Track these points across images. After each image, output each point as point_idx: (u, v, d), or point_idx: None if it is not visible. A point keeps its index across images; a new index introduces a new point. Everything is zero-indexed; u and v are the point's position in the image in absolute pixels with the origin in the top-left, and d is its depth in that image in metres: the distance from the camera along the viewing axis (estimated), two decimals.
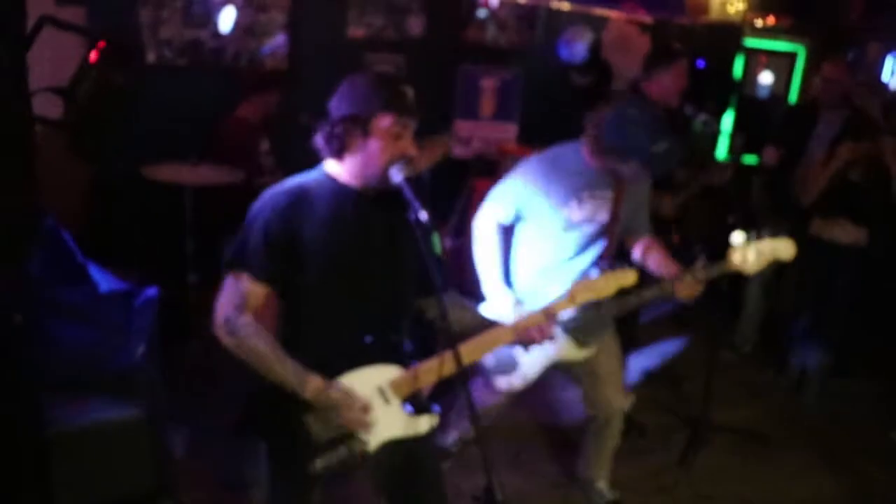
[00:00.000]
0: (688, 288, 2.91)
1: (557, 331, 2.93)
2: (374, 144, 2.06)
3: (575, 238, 2.99)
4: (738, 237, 2.88)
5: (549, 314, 2.31)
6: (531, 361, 3.08)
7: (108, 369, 2.82)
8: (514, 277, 3.09)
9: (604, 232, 3.02)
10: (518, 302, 2.97)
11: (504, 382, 3.11)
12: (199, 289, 3.90)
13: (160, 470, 2.75)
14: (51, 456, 2.51)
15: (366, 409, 2.12)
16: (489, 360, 3.07)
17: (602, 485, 3.45)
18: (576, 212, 2.94)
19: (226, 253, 3.97)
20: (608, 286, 2.38)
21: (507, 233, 3.08)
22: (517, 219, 3.03)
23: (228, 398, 3.80)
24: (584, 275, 2.42)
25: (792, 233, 4.65)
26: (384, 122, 2.05)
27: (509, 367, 3.10)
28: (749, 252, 2.92)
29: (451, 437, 3.45)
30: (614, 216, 2.99)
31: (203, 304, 3.78)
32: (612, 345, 3.23)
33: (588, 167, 2.95)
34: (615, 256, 3.05)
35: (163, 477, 2.75)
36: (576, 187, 2.93)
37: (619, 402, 3.32)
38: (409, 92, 2.08)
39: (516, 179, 3.00)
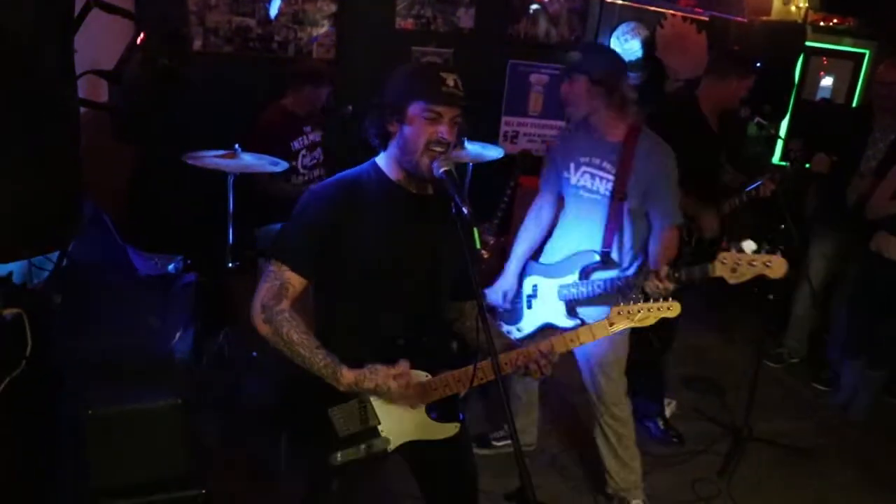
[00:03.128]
0: (655, 289, 2.80)
1: (553, 295, 3.15)
2: (408, 130, 2.08)
3: (574, 203, 3.18)
4: (749, 245, 2.66)
5: (547, 351, 2.19)
6: (529, 320, 3.30)
7: (144, 353, 2.84)
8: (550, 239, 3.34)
9: (605, 207, 3.07)
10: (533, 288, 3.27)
11: (505, 328, 3.33)
12: (238, 276, 3.91)
13: (192, 456, 2.75)
14: (87, 436, 2.55)
15: (403, 375, 2.09)
16: (500, 304, 3.33)
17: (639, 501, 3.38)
18: (573, 175, 3.14)
19: (259, 241, 4.01)
20: (650, 317, 2.26)
21: None
22: (549, 185, 3.29)
23: (264, 387, 3.86)
24: (623, 301, 2.29)
25: (847, 243, 4.59)
26: (416, 108, 2.06)
27: (514, 317, 3.36)
28: (735, 261, 2.67)
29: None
30: (616, 191, 3.02)
31: (242, 291, 3.80)
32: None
33: (595, 138, 3.09)
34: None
35: (194, 463, 2.76)
36: (576, 152, 3.13)
37: (615, 388, 3.33)
38: (451, 80, 2.05)
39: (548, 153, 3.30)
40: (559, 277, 3.18)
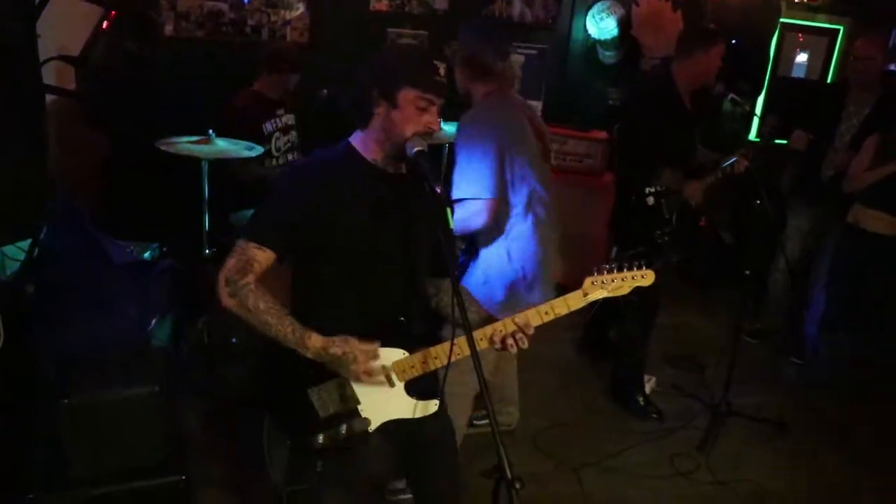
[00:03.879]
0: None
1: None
2: (398, 116, 2.07)
3: None
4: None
5: (523, 325, 2.16)
6: None
7: (120, 342, 2.82)
8: None
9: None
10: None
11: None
12: (216, 263, 3.88)
13: (171, 443, 2.74)
14: (63, 426, 2.53)
15: (371, 355, 2.08)
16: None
17: None
18: None
19: (235, 227, 3.97)
20: (624, 286, 2.25)
21: None
22: None
23: (244, 373, 3.84)
24: (600, 270, 2.28)
25: (823, 218, 4.62)
26: (410, 94, 2.05)
27: None
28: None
29: None
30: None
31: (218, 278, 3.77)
32: None
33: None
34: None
35: (174, 450, 2.75)
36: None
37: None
38: (441, 68, 2.06)
39: None
40: None
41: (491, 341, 2.16)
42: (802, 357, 4.90)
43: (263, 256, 2.10)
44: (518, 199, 3.01)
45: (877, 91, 4.41)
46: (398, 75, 2.06)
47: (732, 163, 3.82)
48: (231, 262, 2.10)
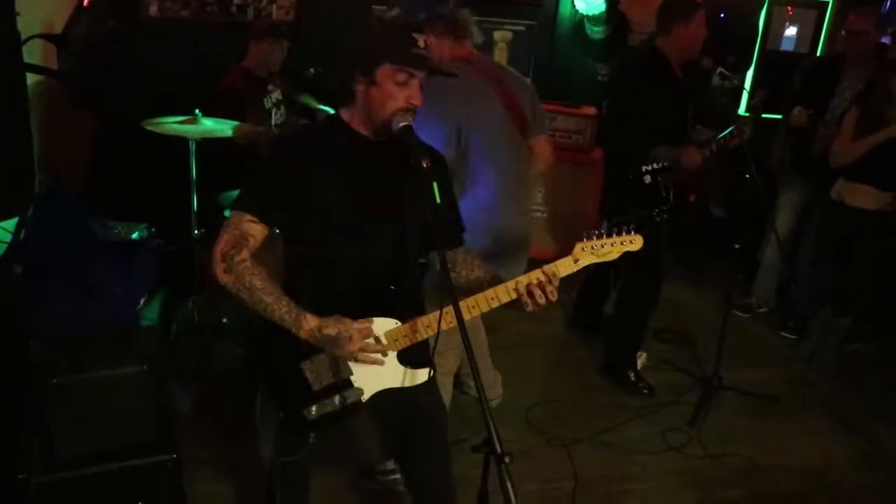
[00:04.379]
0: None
1: None
2: (377, 92, 2.05)
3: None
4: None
5: (550, 274, 2.23)
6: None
7: (108, 321, 2.82)
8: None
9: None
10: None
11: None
12: (205, 242, 3.88)
13: (161, 422, 2.74)
14: (50, 405, 2.53)
15: (365, 334, 2.08)
16: None
17: None
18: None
19: (222, 203, 3.95)
20: (613, 251, 2.26)
21: None
22: None
23: (235, 352, 3.85)
24: (590, 236, 2.28)
25: (814, 192, 4.62)
26: (388, 70, 2.03)
27: None
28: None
29: None
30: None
31: (209, 258, 3.77)
32: None
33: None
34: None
35: (164, 429, 2.75)
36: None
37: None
38: (421, 41, 2.04)
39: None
40: None
41: (518, 291, 2.14)
42: (793, 331, 4.92)
43: (257, 229, 2.09)
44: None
45: (870, 65, 4.39)
46: (375, 51, 2.03)
47: (727, 133, 3.78)
48: (225, 237, 2.08)
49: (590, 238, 2.19)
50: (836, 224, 4.38)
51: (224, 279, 2.07)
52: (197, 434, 3.36)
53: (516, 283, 2.14)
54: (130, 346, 2.80)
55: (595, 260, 2.20)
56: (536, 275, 2.15)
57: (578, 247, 2.19)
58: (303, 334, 2.05)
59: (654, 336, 4.70)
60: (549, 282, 2.14)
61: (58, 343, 2.69)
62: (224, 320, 3.99)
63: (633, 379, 4.17)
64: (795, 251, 5.00)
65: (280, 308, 2.05)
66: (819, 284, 4.67)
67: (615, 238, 2.18)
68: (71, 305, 2.80)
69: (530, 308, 2.19)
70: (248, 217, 2.09)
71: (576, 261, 2.19)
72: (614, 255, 2.21)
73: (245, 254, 2.07)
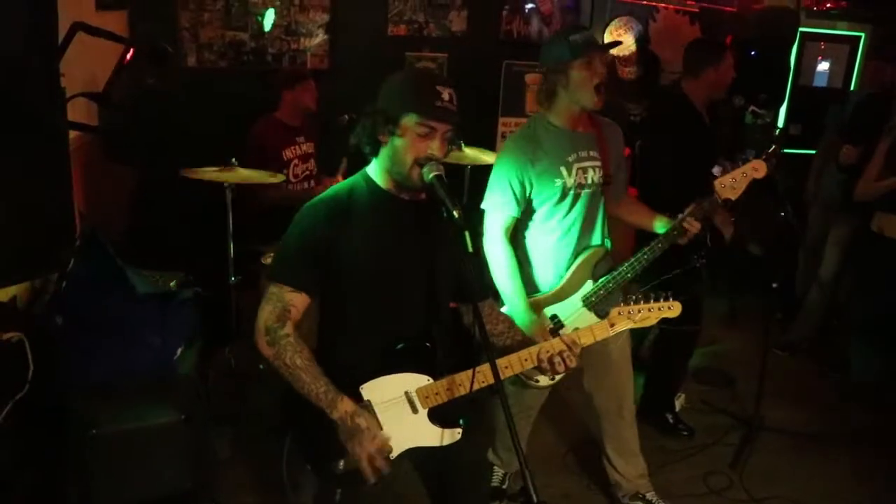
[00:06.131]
0: (693, 227, 2.86)
1: (582, 313, 2.89)
2: (399, 142, 2.08)
3: (571, 205, 2.89)
4: (717, 169, 2.95)
5: (571, 343, 2.18)
6: None
7: (146, 372, 2.85)
8: (533, 269, 2.96)
9: (600, 196, 2.96)
10: (554, 318, 2.90)
11: (545, 380, 2.95)
12: (241, 290, 3.93)
13: (199, 471, 2.76)
14: (90, 457, 2.56)
15: (383, 449, 2.08)
16: None
17: (652, 496, 3.34)
18: (568, 178, 2.85)
19: (262, 256, 4.02)
20: (651, 317, 2.24)
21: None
22: (522, 208, 2.88)
23: (272, 400, 3.85)
24: (627, 301, 2.27)
25: (860, 230, 4.55)
26: (409, 121, 2.06)
27: None
28: (732, 179, 2.88)
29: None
30: (606, 177, 2.94)
31: (246, 305, 3.80)
32: None
33: (564, 133, 2.86)
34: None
35: (202, 478, 2.77)
36: (560, 154, 2.84)
37: (631, 387, 3.25)
38: (446, 94, 2.05)
39: (502, 170, 2.84)
40: (576, 292, 2.94)
41: (538, 360, 2.15)
42: (835, 368, 4.82)
43: (299, 300, 2.13)
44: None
45: None
46: (399, 102, 2.07)
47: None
48: (268, 309, 2.13)
49: (626, 303, 2.20)
50: (877, 258, 4.30)
51: (267, 352, 2.11)
52: (235, 482, 3.36)
53: (539, 350, 2.15)
54: (167, 395, 2.83)
55: (632, 325, 2.21)
56: (559, 345, 2.15)
57: (615, 311, 2.21)
58: (335, 415, 2.06)
59: (691, 376, 4.62)
60: (570, 349, 2.15)
61: (97, 394, 2.73)
62: (261, 367, 4.01)
63: (671, 421, 4.10)
64: (837, 288, 4.91)
65: (318, 388, 2.06)
66: (860, 321, 4.57)
67: (653, 304, 2.19)
68: (109, 355, 2.84)
69: (549, 376, 2.21)
70: (288, 288, 2.12)
71: (611, 325, 2.19)
72: (651, 322, 2.21)
73: (289, 327, 2.10)
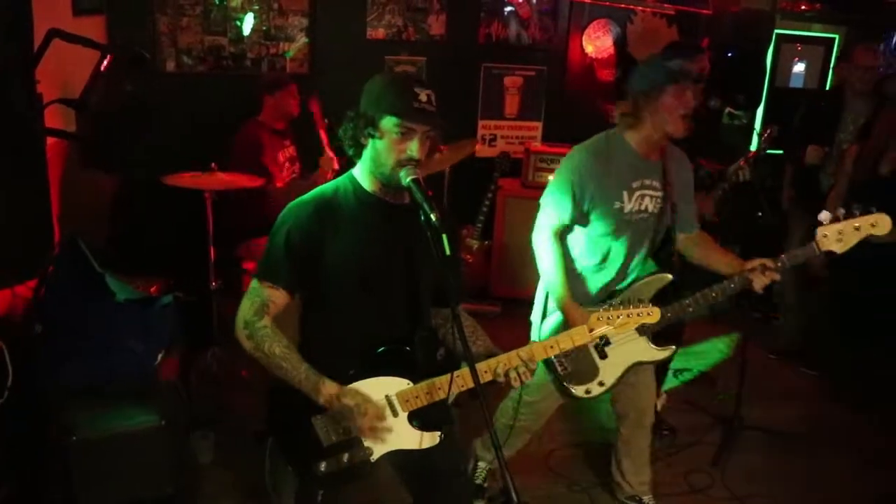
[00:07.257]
0: (764, 279, 2.84)
1: (631, 333, 2.84)
2: (379, 144, 2.10)
3: (627, 231, 2.91)
4: (824, 215, 2.75)
5: (527, 358, 2.19)
6: (611, 367, 2.98)
7: (127, 377, 2.85)
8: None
9: (654, 225, 2.96)
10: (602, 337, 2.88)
11: (581, 390, 2.99)
12: (223, 295, 3.92)
13: (179, 475, 2.76)
14: (71, 462, 2.56)
15: (379, 416, 2.11)
16: (567, 366, 2.93)
17: (649, 500, 3.36)
18: (627, 203, 2.87)
19: (241, 257, 4.01)
20: (630, 322, 2.24)
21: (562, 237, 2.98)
22: (574, 219, 2.90)
23: (253, 404, 3.85)
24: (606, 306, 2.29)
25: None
26: (388, 123, 2.07)
27: (588, 374, 2.98)
28: (838, 231, 2.78)
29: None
30: (669, 205, 2.92)
31: (227, 310, 3.79)
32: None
33: (636, 157, 2.88)
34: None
35: (182, 482, 2.76)
36: (626, 177, 2.86)
37: (653, 398, 3.29)
38: (424, 95, 2.06)
39: (567, 176, 2.86)
40: None
41: (496, 374, 2.18)
42: (815, 367, 4.86)
43: (279, 296, 2.15)
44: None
45: (873, 98, 4.42)
46: (378, 104, 2.08)
47: (737, 168, 3.79)
48: (247, 304, 2.15)
49: (606, 308, 2.21)
50: (849, 257, 4.34)
51: (246, 345, 2.13)
52: (216, 486, 3.35)
53: (497, 364, 2.17)
54: (149, 400, 2.83)
55: (611, 331, 2.21)
56: (514, 359, 2.17)
57: (594, 316, 2.20)
58: (321, 399, 2.07)
59: (673, 376, 4.66)
60: (526, 365, 2.17)
61: (77, 399, 2.72)
62: (243, 372, 4.01)
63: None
64: (820, 291, 4.94)
65: (299, 373, 2.08)
66: (836, 319, 4.62)
67: (632, 310, 2.19)
68: (90, 362, 2.84)
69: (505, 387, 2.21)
70: (268, 284, 2.15)
71: (591, 330, 2.21)
72: (630, 327, 2.22)
73: (266, 320, 2.12)
